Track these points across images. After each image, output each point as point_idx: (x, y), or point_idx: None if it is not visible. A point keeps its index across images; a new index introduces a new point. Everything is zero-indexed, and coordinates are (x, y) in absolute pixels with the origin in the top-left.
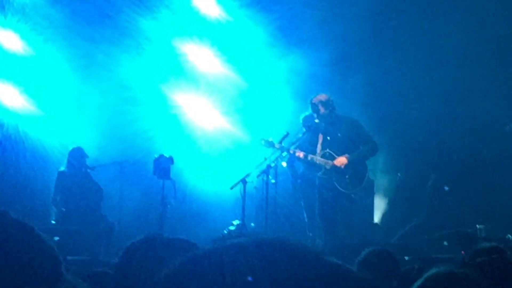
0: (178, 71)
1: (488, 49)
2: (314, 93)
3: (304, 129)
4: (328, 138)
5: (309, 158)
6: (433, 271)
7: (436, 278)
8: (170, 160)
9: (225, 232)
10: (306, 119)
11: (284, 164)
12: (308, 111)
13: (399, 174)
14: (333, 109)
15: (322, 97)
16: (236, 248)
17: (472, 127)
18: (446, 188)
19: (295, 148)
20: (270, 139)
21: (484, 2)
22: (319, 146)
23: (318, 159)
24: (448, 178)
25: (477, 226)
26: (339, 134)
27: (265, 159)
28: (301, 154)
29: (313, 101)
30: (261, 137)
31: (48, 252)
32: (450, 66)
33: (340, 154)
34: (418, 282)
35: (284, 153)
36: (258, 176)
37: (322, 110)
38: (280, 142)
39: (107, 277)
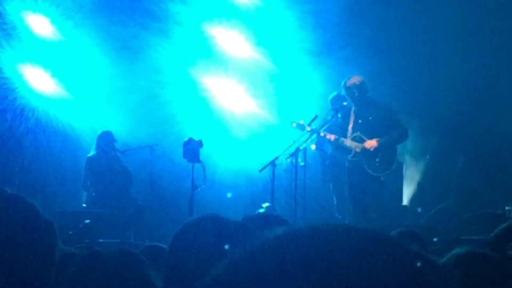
0: (207, 54)
1: None
2: (344, 76)
3: (332, 112)
4: (360, 121)
5: (339, 141)
6: (454, 251)
7: (456, 259)
8: (200, 143)
9: (255, 214)
10: (334, 99)
11: (313, 146)
12: (335, 92)
13: (428, 157)
14: (366, 92)
15: (356, 79)
16: (301, 237)
17: (502, 109)
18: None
19: (325, 130)
20: (301, 122)
21: None
22: (349, 129)
23: (348, 142)
24: (477, 160)
25: (506, 207)
26: (370, 118)
27: (294, 142)
28: (332, 137)
29: (347, 84)
30: (291, 120)
31: (44, 225)
32: (481, 50)
33: (371, 137)
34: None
35: (313, 136)
36: (287, 159)
37: (356, 93)
38: (310, 125)
39: (161, 252)
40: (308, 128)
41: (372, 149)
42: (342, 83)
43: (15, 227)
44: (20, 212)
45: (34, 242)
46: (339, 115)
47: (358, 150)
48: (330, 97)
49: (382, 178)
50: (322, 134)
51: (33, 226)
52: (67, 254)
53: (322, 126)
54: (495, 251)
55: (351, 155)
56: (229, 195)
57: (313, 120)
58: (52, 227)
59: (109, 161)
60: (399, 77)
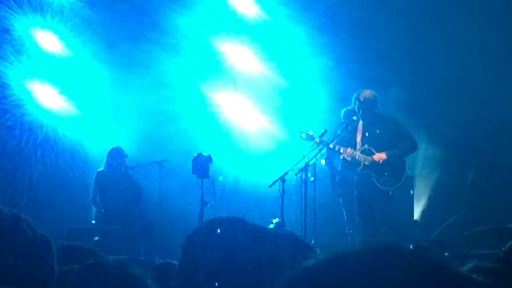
0: (216, 70)
1: None
2: (353, 91)
3: (342, 126)
4: (367, 134)
5: (353, 155)
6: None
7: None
8: (209, 159)
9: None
10: (347, 113)
11: (323, 162)
12: (349, 106)
13: (438, 171)
14: (376, 106)
15: (370, 93)
16: (355, 258)
17: None
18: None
19: (335, 144)
20: (311, 133)
21: None
22: (358, 142)
23: (358, 154)
24: (488, 173)
25: None
26: (377, 131)
27: (304, 157)
28: (341, 149)
29: (360, 98)
30: (300, 130)
31: (40, 242)
32: (491, 63)
33: (379, 150)
34: None
35: (323, 151)
36: (296, 174)
37: (368, 107)
38: (320, 138)
39: (173, 269)
40: (317, 139)
41: (381, 161)
42: (355, 96)
43: (10, 245)
44: (14, 230)
45: (30, 260)
46: (348, 130)
47: (367, 163)
48: (344, 110)
49: (390, 192)
50: (331, 146)
51: (28, 243)
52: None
53: (332, 140)
54: (505, 265)
55: (360, 168)
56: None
57: (322, 134)
58: (49, 244)
59: (119, 177)
60: (407, 91)
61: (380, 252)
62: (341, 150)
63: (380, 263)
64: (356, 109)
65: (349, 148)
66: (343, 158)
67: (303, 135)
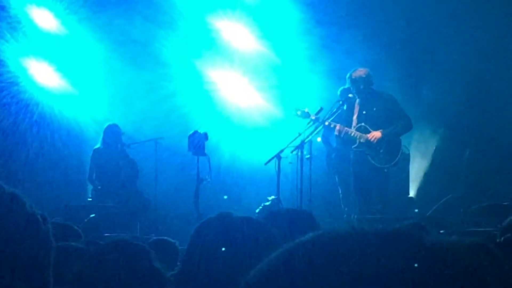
0: (212, 47)
1: None
2: (348, 69)
3: (338, 104)
4: (364, 112)
5: (344, 131)
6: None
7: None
8: (205, 136)
9: (261, 207)
10: (343, 92)
11: (318, 139)
12: (346, 85)
13: (434, 148)
14: (371, 84)
15: (362, 72)
16: (341, 240)
17: (509, 100)
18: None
19: (331, 122)
20: (306, 110)
21: None
22: (354, 119)
23: (353, 132)
24: (484, 151)
25: None
26: (374, 109)
27: (299, 134)
28: (337, 127)
29: (352, 76)
30: (296, 107)
31: (35, 222)
32: (488, 41)
33: (375, 129)
34: None
35: (319, 128)
36: (292, 152)
37: (361, 85)
38: (316, 115)
39: (169, 245)
40: (313, 116)
41: (375, 140)
42: (348, 75)
43: (6, 223)
44: (8, 208)
45: (24, 240)
46: (344, 107)
47: (362, 140)
48: (341, 89)
49: (386, 170)
50: (327, 123)
51: (22, 222)
52: (72, 250)
53: (328, 118)
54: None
55: (355, 145)
56: (225, 197)
57: (318, 112)
58: (45, 221)
59: (115, 155)
60: (403, 70)
61: (373, 233)
62: (332, 126)
63: (372, 245)
64: (350, 88)
65: (339, 125)
66: (337, 135)
67: (299, 112)
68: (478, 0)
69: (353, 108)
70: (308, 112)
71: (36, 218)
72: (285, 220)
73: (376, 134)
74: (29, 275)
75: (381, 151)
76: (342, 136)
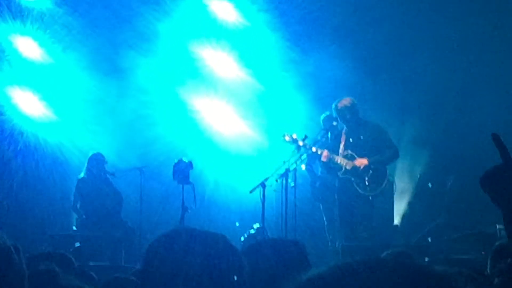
0: (196, 75)
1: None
2: (334, 97)
3: (323, 132)
4: (351, 140)
5: (330, 157)
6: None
7: None
8: (190, 164)
9: (246, 236)
10: (326, 119)
11: (303, 167)
12: (328, 112)
13: (418, 176)
14: (357, 113)
15: (347, 101)
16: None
17: (492, 128)
18: (430, 185)
19: (317, 148)
20: (294, 136)
21: None
22: (341, 147)
23: (339, 158)
24: (468, 178)
25: (497, 226)
26: (361, 137)
27: (284, 162)
28: (324, 152)
29: (338, 107)
30: (283, 132)
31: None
32: (473, 69)
33: (361, 157)
34: None
35: (303, 156)
36: (277, 180)
37: (347, 115)
38: (303, 141)
39: (128, 284)
40: (301, 143)
41: (362, 167)
42: (333, 105)
43: None
44: None
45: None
46: (329, 135)
47: (348, 167)
48: (322, 117)
49: (370, 198)
50: (314, 150)
51: None
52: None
53: (313, 145)
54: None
55: (341, 172)
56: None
57: (303, 139)
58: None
59: (99, 184)
60: (388, 98)
61: (364, 264)
62: (320, 152)
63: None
64: (337, 118)
65: (325, 150)
66: (323, 162)
67: (287, 138)
68: (462, 28)
69: (340, 136)
70: (296, 139)
71: (8, 249)
72: (271, 250)
73: (362, 161)
74: None
75: (366, 178)
76: (328, 162)
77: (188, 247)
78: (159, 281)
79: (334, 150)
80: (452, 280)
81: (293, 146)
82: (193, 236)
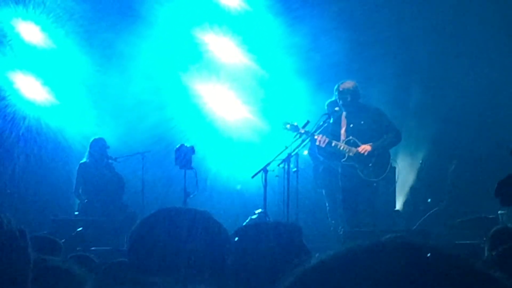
0: (199, 61)
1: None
2: (335, 82)
3: (325, 117)
4: (352, 125)
5: (333, 144)
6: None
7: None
8: (192, 150)
9: (248, 220)
10: (331, 105)
11: (305, 152)
12: (333, 97)
13: (421, 161)
14: (358, 97)
15: (350, 84)
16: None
17: (495, 113)
18: (429, 200)
19: (319, 134)
20: (295, 124)
21: None
22: (342, 133)
23: (342, 145)
24: (470, 164)
25: (499, 212)
26: (362, 122)
27: (286, 147)
28: (326, 140)
29: (340, 88)
30: (285, 120)
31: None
32: (480, 53)
33: (364, 142)
34: None
35: (306, 141)
36: (279, 165)
37: (349, 97)
38: (303, 128)
39: (123, 267)
40: (302, 130)
41: (365, 153)
42: (335, 87)
43: None
44: None
45: (1, 256)
46: (331, 120)
47: (351, 154)
48: (327, 102)
49: (375, 184)
50: (316, 137)
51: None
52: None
53: (315, 131)
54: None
55: (344, 159)
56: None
57: (305, 125)
58: (23, 234)
59: (101, 168)
60: (391, 81)
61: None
62: (325, 140)
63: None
64: (337, 100)
65: (320, 135)
66: (320, 147)
67: (288, 126)
68: (471, 11)
69: (340, 122)
70: (297, 126)
71: (14, 234)
72: (272, 233)
73: (366, 147)
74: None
75: (370, 164)
76: (324, 147)
77: (173, 225)
78: (146, 260)
79: (334, 135)
80: (457, 259)
81: (294, 133)
82: (178, 214)
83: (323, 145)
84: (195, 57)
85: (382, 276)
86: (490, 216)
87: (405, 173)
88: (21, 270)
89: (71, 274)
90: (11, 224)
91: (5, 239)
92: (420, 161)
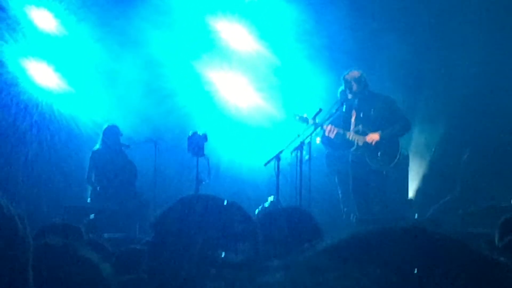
0: (211, 48)
1: None
2: (348, 69)
3: (337, 105)
4: (361, 115)
5: (342, 134)
6: None
7: None
8: (204, 137)
9: (260, 209)
10: (343, 92)
11: (318, 140)
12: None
13: (433, 149)
14: (366, 86)
15: (355, 73)
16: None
17: (509, 102)
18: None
19: (329, 124)
20: (305, 115)
21: None
22: (352, 122)
23: (351, 135)
24: (483, 152)
25: None
26: (372, 111)
27: (299, 135)
28: (334, 130)
29: (346, 78)
30: (295, 112)
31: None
32: (490, 42)
33: (373, 130)
34: None
35: (318, 129)
36: (291, 153)
37: (355, 86)
38: (314, 118)
39: (136, 254)
40: (311, 121)
41: (373, 142)
42: (342, 77)
43: None
44: None
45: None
46: (344, 108)
47: (360, 143)
48: (340, 90)
49: (384, 172)
50: (325, 127)
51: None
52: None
53: (327, 119)
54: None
55: (354, 148)
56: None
57: (317, 113)
58: (22, 222)
59: (114, 156)
60: (402, 70)
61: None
62: (334, 131)
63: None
64: (345, 89)
65: (329, 125)
66: (327, 136)
67: (297, 117)
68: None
69: (351, 111)
70: (306, 117)
71: (13, 219)
72: (283, 218)
73: (374, 136)
74: (8, 275)
75: (379, 153)
76: (333, 137)
77: (202, 214)
78: (171, 251)
79: (345, 124)
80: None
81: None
82: (207, 203)
83: (332, 136)
84: (208, 44)
85: (391, 259)
86: (503, 205)
87: (417, 162)
88: (21, 255)
89: (88, 260)
90: (10, 209)
91: (3, 224)
92: (433, 150)
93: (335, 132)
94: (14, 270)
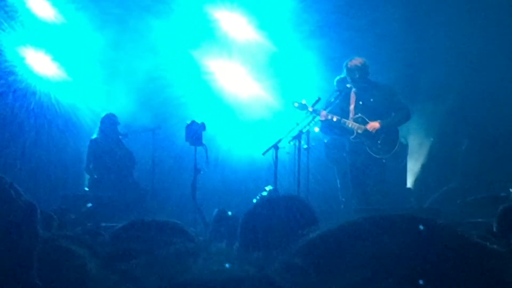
0: (210, 37)
1: None
2: (346, 58)
3: (336, 93)
4: (361, 103)
5: (341, 121)
6: None
7: None
8: (202, 126)
9: (258, 197)
10: (340, 82)
11: (316, 129)
12: (342, 74)
13: (432, 139)
14: (367, 74)
15: (358, 61)
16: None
17: (508, 92)
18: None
19: (328, 112)
20: (304, 102)
21: None
22: (351, 110)
23: (350, 123)
24: (482, 142)
25: (511, 190)
26: (371, 100)
27: (297, 124)
28: (334, 118)
29: (348, 65)
30: (293, 100)
31: (24, 207)
32: (488, 30)
33: (373, 119)
34: None
35: (317, 118)
36: (290, 142)
37: (357, 74)
38: (313, 106)
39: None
40: (310, 108)
41: (374, 131)
42: (344, 64)
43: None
44: (8, 196)
45: (12, 225)
46: (342, 97)
47: (360, 131)
48: (337, 78)
49: (384, 161)
50: (323, 113)
51: (13, 206)
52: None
53: (325, 108)
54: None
55: (353, 136)
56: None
57: (316, 102)
58: (33, 208)
59: (112, 144)
60: (402, 59)
61: (375, 221)
62: (329, 117)
63: (376, 232)
64: (346, 77)
65: (324, 111)
66: (323, 120)
67: (296, 104)
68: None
69: (349, 99)
70: (305, 104)
71: (23, 208)
72: (281, 207)
73: (374, 125)
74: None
75: (379, 141)
76: (329, 122)
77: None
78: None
79: (344, 112)
80: (461, 232)
81: (305, 110)
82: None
83: (328, 118)
84: (207, 33)
85: (387, 245)
86: (502, 194)
87: (416, 151)
88: (29, 244)
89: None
90: (22, 198)
91: (14, 212)
92: (432, 139)
93: (329, 117)
94: (20, 258)
